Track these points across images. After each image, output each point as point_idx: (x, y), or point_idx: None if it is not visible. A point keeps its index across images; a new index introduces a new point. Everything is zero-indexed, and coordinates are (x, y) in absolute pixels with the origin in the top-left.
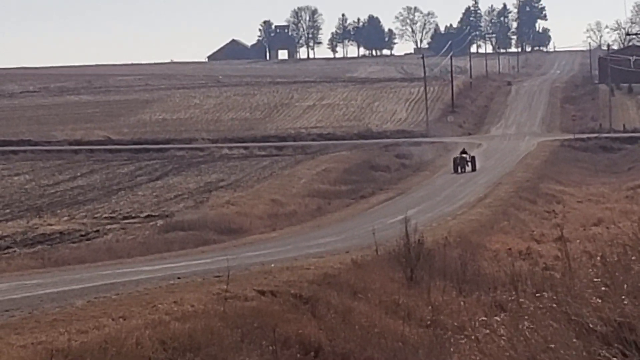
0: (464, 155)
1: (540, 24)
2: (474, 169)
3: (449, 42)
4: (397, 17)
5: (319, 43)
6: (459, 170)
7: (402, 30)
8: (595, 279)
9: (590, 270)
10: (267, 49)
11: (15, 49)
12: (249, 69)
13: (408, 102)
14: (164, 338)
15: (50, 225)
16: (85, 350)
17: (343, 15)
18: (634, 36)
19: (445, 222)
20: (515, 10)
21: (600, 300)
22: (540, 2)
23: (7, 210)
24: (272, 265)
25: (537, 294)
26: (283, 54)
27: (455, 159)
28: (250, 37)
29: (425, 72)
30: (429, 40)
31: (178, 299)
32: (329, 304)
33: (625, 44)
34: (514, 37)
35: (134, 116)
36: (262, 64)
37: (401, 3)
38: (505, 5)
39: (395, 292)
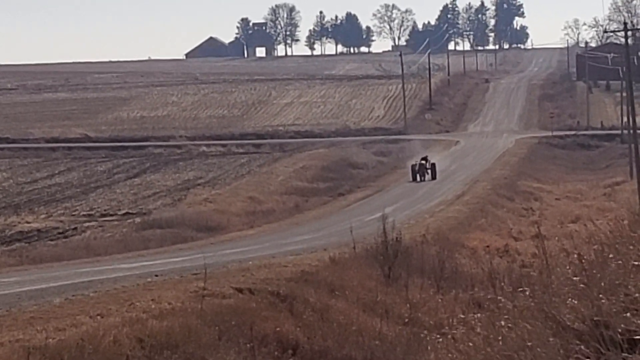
0: (423, 162)
1: (518, 22)
2: (434, 177)
3: (427, 40)
4: (374, 15)
5: (297, 40)
6: (418, 179)
7: (380, 27)
8: (573, 277)
9: (568, 267)
10: (245, 47)
11: None
12: (227, 67)
13: (386, 100)
14: (142, 336)
15: (28, 222)
16: (62, 348)
17: (321, 12)
18: (611, 33)
19: (423, 219)
20: (493, 7)
21: (577, 299)
22: (518, 0)
23: None
24: (250, 262)
25: (515, 292)
26: (261, 52)
27: (413, 166)
28: (227, 34)
29: (403, 70)
30: (407, 37)
31: (156, 297)
32: (306, 302)
33: (603, 41)
34: (492, 34)
35: (112, 114)
36: (239, 62)
37: (379, 0)
38: (482, 3)
39: (373, 290)
